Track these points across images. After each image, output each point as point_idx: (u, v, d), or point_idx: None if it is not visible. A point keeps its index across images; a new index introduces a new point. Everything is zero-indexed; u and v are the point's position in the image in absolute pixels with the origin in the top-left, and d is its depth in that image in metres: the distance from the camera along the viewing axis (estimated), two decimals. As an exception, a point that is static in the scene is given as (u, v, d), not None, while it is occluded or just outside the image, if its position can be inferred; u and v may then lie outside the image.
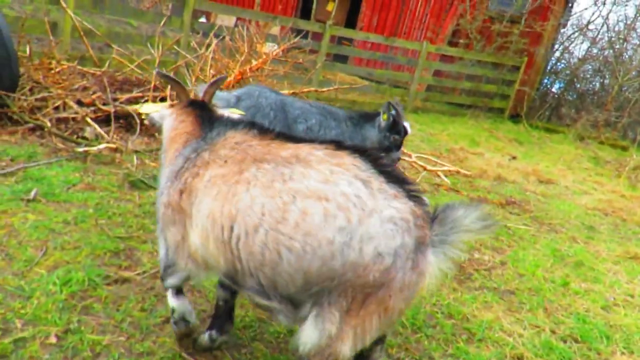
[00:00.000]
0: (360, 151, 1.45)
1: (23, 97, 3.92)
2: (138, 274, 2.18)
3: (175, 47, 7.04)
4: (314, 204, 1.32)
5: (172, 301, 1.68)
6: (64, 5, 5.44)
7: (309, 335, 1.35)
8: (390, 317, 1.37)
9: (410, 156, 5.61)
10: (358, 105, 9.33)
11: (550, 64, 12.18)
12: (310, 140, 1.51)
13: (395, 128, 3.12)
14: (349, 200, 1.32)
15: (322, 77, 10.31)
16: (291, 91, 5.92)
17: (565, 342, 2.43)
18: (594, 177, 6.87)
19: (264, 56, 6.08)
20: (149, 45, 5.72)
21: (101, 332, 1.77)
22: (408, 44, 9.91)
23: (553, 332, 2.49)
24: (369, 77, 10.43)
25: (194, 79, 5.66)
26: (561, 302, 2.84)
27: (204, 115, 1.74)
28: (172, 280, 1.63)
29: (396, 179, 1.41)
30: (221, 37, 6.35)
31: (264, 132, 1.58)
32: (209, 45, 5.99)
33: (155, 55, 5.54)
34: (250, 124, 1.62)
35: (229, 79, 5.59)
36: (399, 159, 3.41)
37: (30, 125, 3.76)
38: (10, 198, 2.55)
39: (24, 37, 4.59)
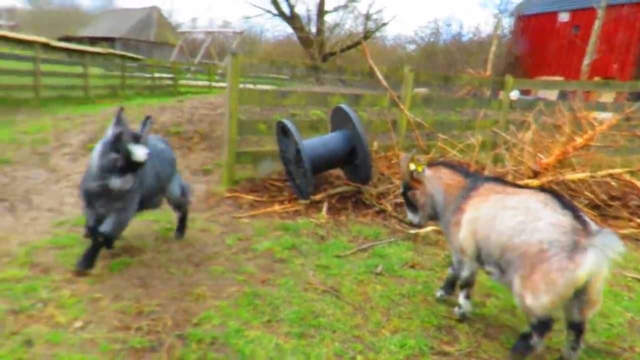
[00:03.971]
0: (551, 192, 2.47)
1: (372, 187, 5.10)
2: (456, 350, 2.55)
3: (495, 128, 7.44)
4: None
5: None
6: (401, 106, 6.71)
7: (515, 292, 2.34)
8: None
9: None
10: None
11: None
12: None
13: (117, 145, 2.68)
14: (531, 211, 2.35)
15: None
16: (627, 169, 5.31)
17: None
18: None
19: (590, 132, 5.74)
20: (468, 134, 6.35)
21: (427, 394, 2.21)
22: None
23: None
24: None
25: (511, 162, 5.87)
26: None
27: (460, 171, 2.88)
28: (464, 273, 2.73)
29: (570, 208, 2.31)
30: (539, 114, 6.38)
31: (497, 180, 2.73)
32: (527, 124, 6.13)
33: (473, 140, 6.08)
34: (489, 178, 2.78)
35: (546, 160, 5.55)
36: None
37: (377, 209, 4.84)
38: (364, 270, 3.43)
39: (373, 135, 5.98)
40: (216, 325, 2.55)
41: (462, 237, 2.62)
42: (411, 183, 2.91)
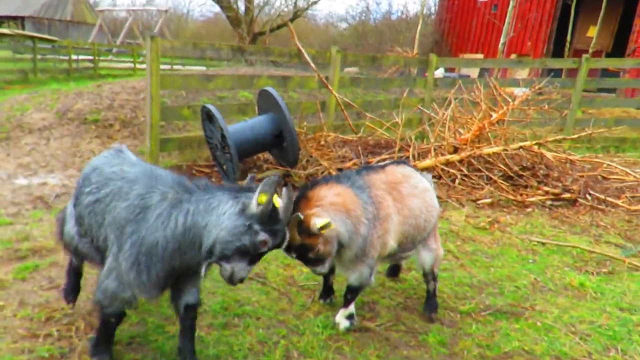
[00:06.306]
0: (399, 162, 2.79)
1: (301, 169, 5.11)
2: (377, 325, 2.65)
3: (420, 106, 7.68)
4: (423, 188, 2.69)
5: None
6: (330, 88, 6.73)
7: (426, 256, 2.74)
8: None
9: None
10: (629, 143, 8.11)
11: None
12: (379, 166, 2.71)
13: (274, 222, 1.87)
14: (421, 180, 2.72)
15: (581, 114, 9.36)
16: (535, 142, 5.71)
17: None
18: None
19: (504, 108, 6.08)
20: (393, 113, 6.51)
21: (348, 372, 2.28)
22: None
23: None
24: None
25: (433, 138, 6.10)
26: None
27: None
28: (373, 280, 2.55)
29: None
30: (459, 92, 6.67)
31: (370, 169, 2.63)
32: (450, 102, 6.39)
33: (397, 119, 6.26)
34: (360, 172, 2.57)
35: (465, 136, 5.83)
36: (232, 275, 1.89)
37: (306, 191, 4.86)
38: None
39: (301, 117, 5.98)
40: (134, 323, 2.47)
41: (392, 242, 2.47)
42: (309, 242, 2.18)
